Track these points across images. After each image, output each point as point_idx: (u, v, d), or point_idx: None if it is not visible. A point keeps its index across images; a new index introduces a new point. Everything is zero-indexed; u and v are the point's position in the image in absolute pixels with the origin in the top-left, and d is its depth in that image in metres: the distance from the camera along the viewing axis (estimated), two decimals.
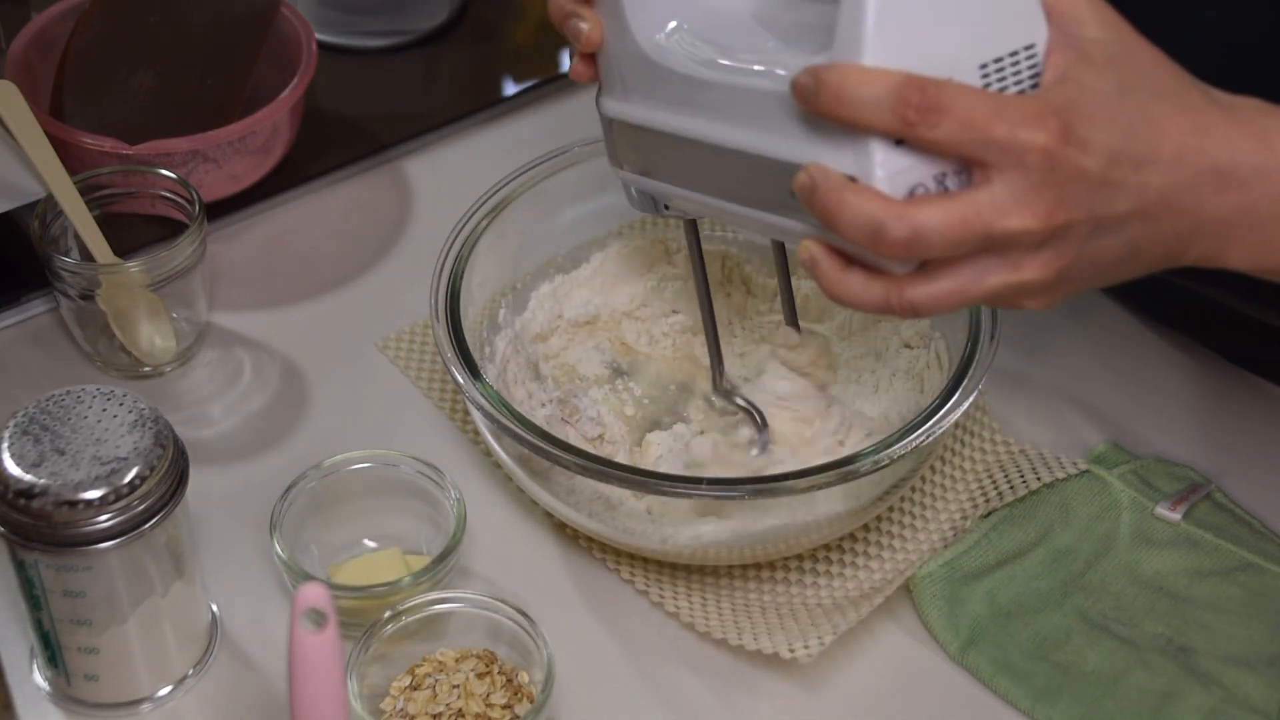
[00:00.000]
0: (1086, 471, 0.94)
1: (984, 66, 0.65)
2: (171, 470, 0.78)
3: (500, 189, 0.97)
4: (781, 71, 0.69)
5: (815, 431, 0.90)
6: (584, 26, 0.79)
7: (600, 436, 0.94)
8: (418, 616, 0.83)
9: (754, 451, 0.88)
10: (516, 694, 0.82)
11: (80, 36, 1.08)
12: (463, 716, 0.81)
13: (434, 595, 0.84)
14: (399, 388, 1.01)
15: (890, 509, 0.92)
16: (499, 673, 0.83)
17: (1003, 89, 0.65)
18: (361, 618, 0.84)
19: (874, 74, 0.63)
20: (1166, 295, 0.99)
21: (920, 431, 0.83)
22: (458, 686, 0.82)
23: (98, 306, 0.97)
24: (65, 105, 1.07)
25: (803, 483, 0.82)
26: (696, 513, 0.87)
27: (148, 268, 0.96)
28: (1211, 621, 0.87)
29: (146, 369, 1.01)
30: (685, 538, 0.86)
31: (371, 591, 0.85)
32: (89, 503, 0.75)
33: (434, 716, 0.81)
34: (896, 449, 0.83)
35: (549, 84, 1.21)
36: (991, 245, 0.64)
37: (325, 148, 1.15)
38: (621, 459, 0.93)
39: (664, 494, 0.84)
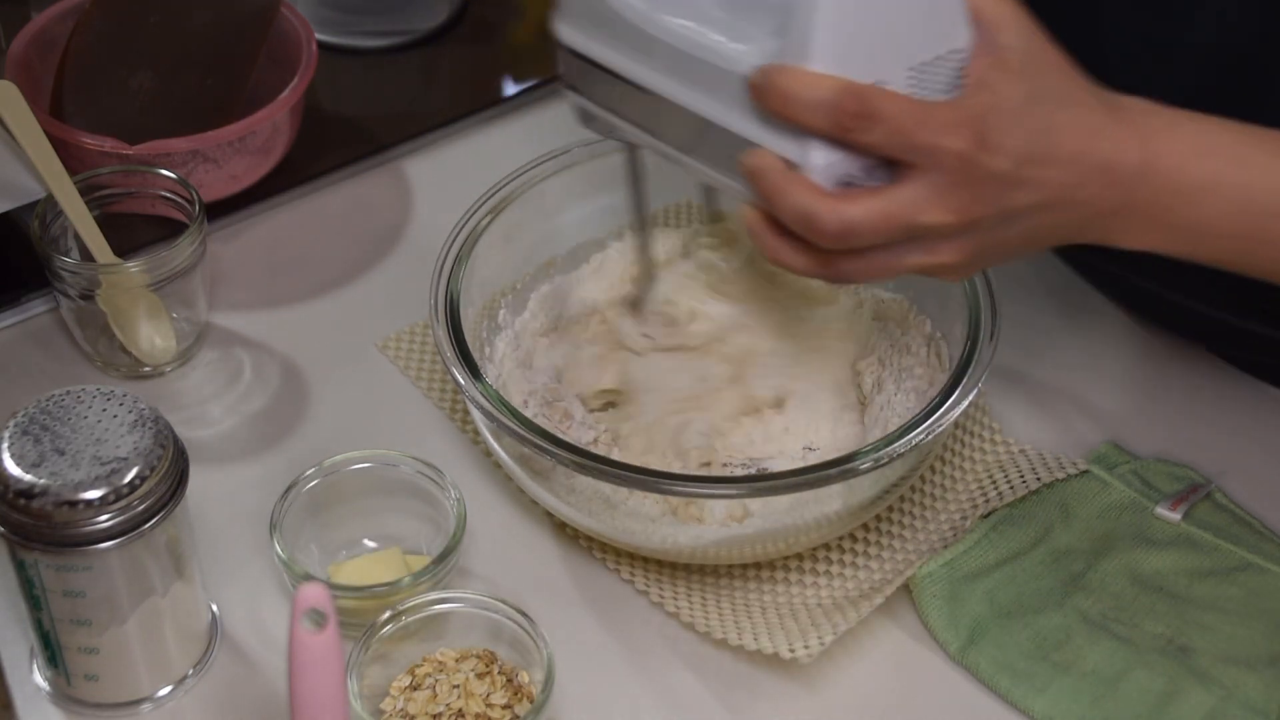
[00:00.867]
0: (1086, 471, 0.94)
1: (913, 70, 0.72)
2: (171, 470, 0.78)
3: (500, 189, 0.97)
4: (737, 49, 0.74)
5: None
6: None
7: (596, 441, 0.94)
8: (418, 616, 0.83)
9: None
10: (516, 694, 0.82)
11: (80, 36, 1.08)
12: (463, 716, 0.81)
13: (434, 595, 0.84)
14: (399, 388, 1.01)
15: (890, 509, 0.92)
16: (499, 673, 0.83)
17: (929, 89, 0.72)
18: (361, 618, 0.84)
19: (816, 80, 0.70)
20: (1167, 298, 0.99)
21: (920, 431, 0.83)
22: (458, 686, 0.82)
23: (98, 306, 0.97)
24: (65, 105, 1.07)
25: (802, 481, 0.82)
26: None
27: (148, 268, 0.96)
28: (1211, 621, 0.87)
29: (146, 369, 1.01)
30: (685, 538, 0.87)
31: (371, 591, 0.85)
32: (89, 503, 0.75)
33: (434, 716, 0.81)
34: (896, 448, 0.83)
35: (549, 84, 1.21)
36: (911, 235, 0.72)
37: (325, 148, 1.15)
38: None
39: (664, 494, 0.84)
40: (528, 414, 0.92)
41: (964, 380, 0.86)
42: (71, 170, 1.00)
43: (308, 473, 0.89)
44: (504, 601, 0.84)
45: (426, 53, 1.26)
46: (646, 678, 0.86)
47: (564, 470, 0.84)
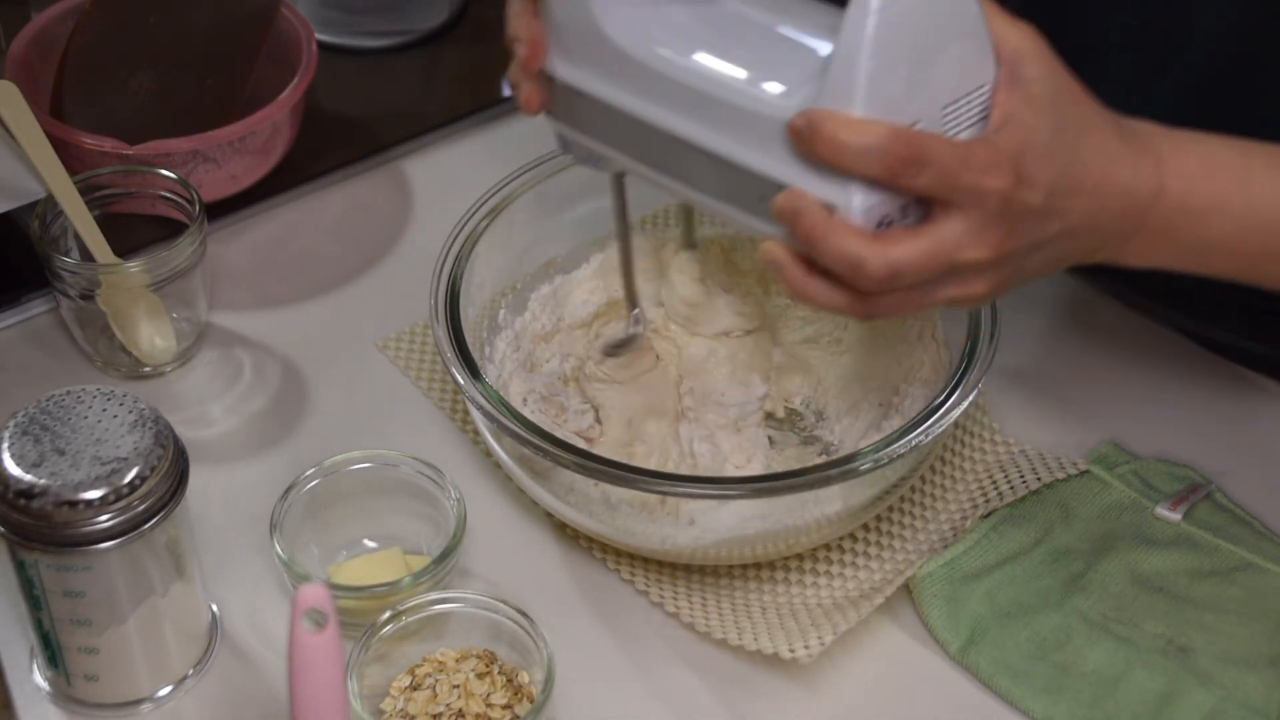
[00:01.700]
0: (1086, 471, 0.94)
1: (945, 108, 0.72)
2: (171, 470, 0.78)
3: (500, 189, 0.97)
4: (770, 92, 0.74)
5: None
6: (519, 49, 0.82)
7: (593, 427, 0.94)
8: (418, 616, 0.83)
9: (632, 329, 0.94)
10: (516, 694, 0.82)
11: (80, 36, 1.08)
12: (463, 716, 0.81)
13: (434, 595, 0.84)
14: (399, 388, 1.01)
15: (890, 509, 0.92)
16: (499, 673, 0.83)
17: (958, 126, 0.73)
18: (361, 618, 0.84)
19: (864, 126, 0.70)
20: (1166, 294, 0.99)
21: (920, 431, 0.83)
22: (458, 686, 0.82)
23: (98, 306, 0.97)
24: (65, 105, 1.07)
25: (803, 481, 0.82)
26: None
27: (148, 268, 0.96)
28: (1211, 621, 0.87)
29: (146, 369, 1.01)
30: (685, 538, 0.87)
31: (371, 591, 0.85)
32: (89, 503, 0.75)
33: (434, 716, 0.81)
34: (896, 448, 0.83)
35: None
36: (950, 273, 0.73)
37: (325, 148, 1.15)
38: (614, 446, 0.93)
39: (664, 494, 0.84)
40: (526, 413, 0.92)
41: (964, 380, 0.86)
42: (71, 170, 1.00)
43: (308, 473, 0.89)
44: (504, 601, 0.84)
45: (426, 53, 1.26)
46: (646, 678, 0.86)
47: (564, 470, 0.84)
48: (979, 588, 0.88)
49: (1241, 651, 0.85)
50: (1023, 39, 0.74)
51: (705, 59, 0.76)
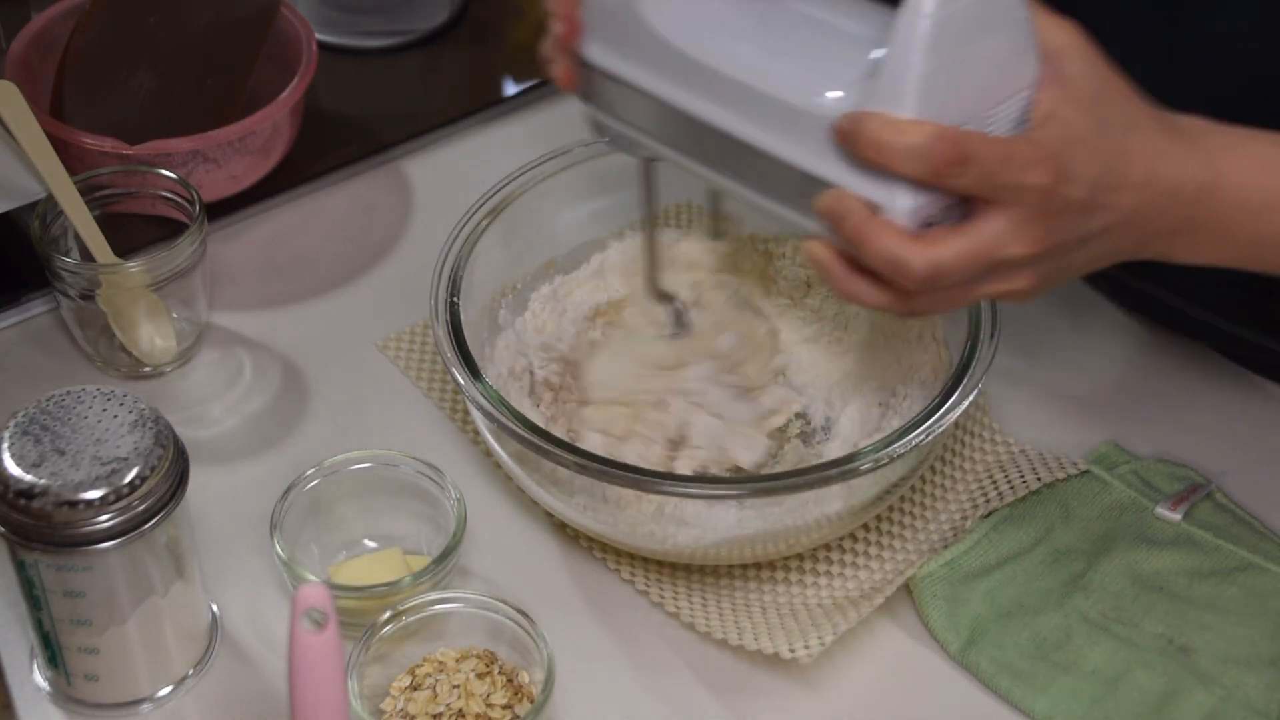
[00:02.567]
0: (1086, 471, 0.94)
1: (992, 108, 0.72)
2: (171, 470, 0.78)
3: (500, 189, 0.97)
4: (817, 89, 0.74)
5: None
6: (556, 25, 0.83)
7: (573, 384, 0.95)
8: (418, 616, 0.83)
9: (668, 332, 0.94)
10: (516, 694, 0.82)
11: (80, 36, 1.08)
12: (463, 716, 0.81)
13: (434, 595, 0.84)
14: (399, 388, 1.01)
15: (890, 509, 0.92)
16: (499, 673, 0.83)
17: (1003, 125, 0.73)
18: (361, 618, 0.84)
19: (909, 126, 0.70)
20: (1166, 295, 0.99)
21: (920, 431, 0.83)
22: (458, 686, 0.82)
23: (98, 306, 0.97)
24: (65, 105, 1.07)
25: (802, 481, 0.82)
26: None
27: (148, 268, 0.96)
28: (1211, 621, 0.87)
29: (146, 369, 1.01)
30: (685, 538, 0.87)
31: (371, 591, 0.85)
32: (89, 503, 0.75)
33: (434, 716, 0.81)
34: (896, 448, 0.83)
35: (549, 84, 1.21)
36: (992, 269, 0.73)
37: (325, 148, 1.15)
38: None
39: (664, 494, 0.84)
40: (528, 411, 0.92)
41: (964, 381, 0.86)
42: (71, 170, 1.00)
43: (308, 473, 0.89)
44: (504, 601, 0.84)
45: (426, 53, 1.26)
46: (646, 678, 0.86)
47: (564, 470, 0.84)
48: (979, 588, 0.88)
49: (1242, 651, 0.85)
50: (1066, 36, 0.74)
51: (751, 52, 0.76)
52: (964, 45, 0.70)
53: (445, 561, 0.86)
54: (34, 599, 0.79)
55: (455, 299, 0.91)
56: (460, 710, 0.81)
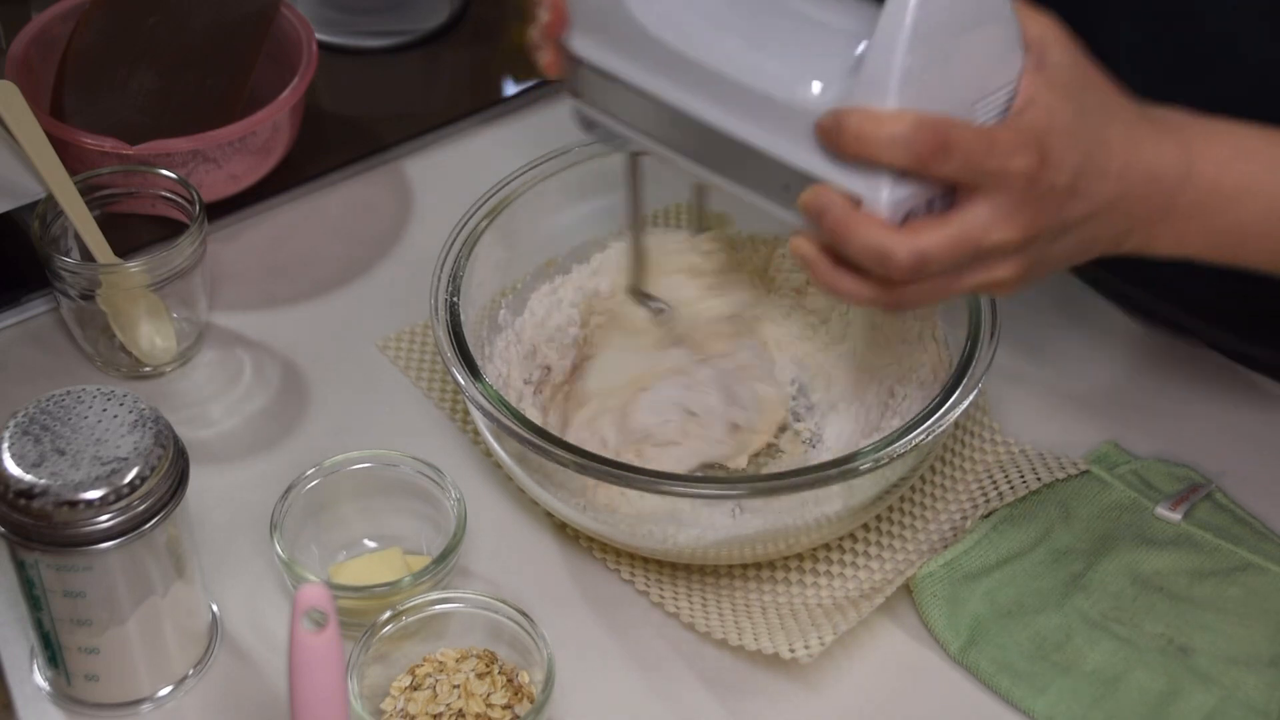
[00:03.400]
0: (1086, 471, 0.94)
1: (975, 102, 0.73)
2: (171, 470, 0.78)
3: (500, 189, 0.97)
4: (800, 83, 0.74)
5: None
6: (542, 14, 0.83)
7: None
8: (418, 616, 0.83)
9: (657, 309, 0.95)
10: (516, 694, 0.82)
11: (80, 36, 1.08)
12: (463, 716, 0.81)
13: (434, 595, 0.84)
14: (399, 388, 1.01)
15: (890, 509, 0.92)
16: (499, 673, 0.83)
17: (986, 116, 0.73)
18: (361, 618, 0.84)
19: (890, 117, 0.70)
20: (1166, 295, 0.99)
21: (920, 431, 0.83)
22: (458, 686, 0.82)
23: (98, 306, 0.97)
24: (65, 105, 1.07)
25: (803, 481, 0.82)
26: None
27: (148, 268, 0.96)
28: (1211, 621, 0.87)
29: (146, 369, 1.01)
30: (685, 538, 0.87)
31: (371, 591, 0.85)
32: (89, 503, 0.75)
33: (434, 716, 0.81)
34: (896, 448, 0.83)
35: (549, 84, 1.21)
36: (977, 258, 0.74)
37: (325, 148, 1.15)
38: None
39: (664, 494, 0.84)
40: (522, 407, 0.92)
41: (964, 381, 0.86)
42: (71, 170, 1.00)
43: (308, 473, 0.89)
44: (504, 601, 0.84)
45: (426, 53, 1.26)
46: (646, 678, 0.86)
47: (564, 470, 0.84)
48: (979, 588, 0.88)
49: (1242, 651, 0.85)
50: (1046, 27, 0.74)
51: (735, 45, 0.77)
52: (947, 39, 0.70)
53: (445, 561, 0.86)
54: (34, 599, 0.79)
55: (455, 299, 0.91)
56: (460, 710, 0.81)
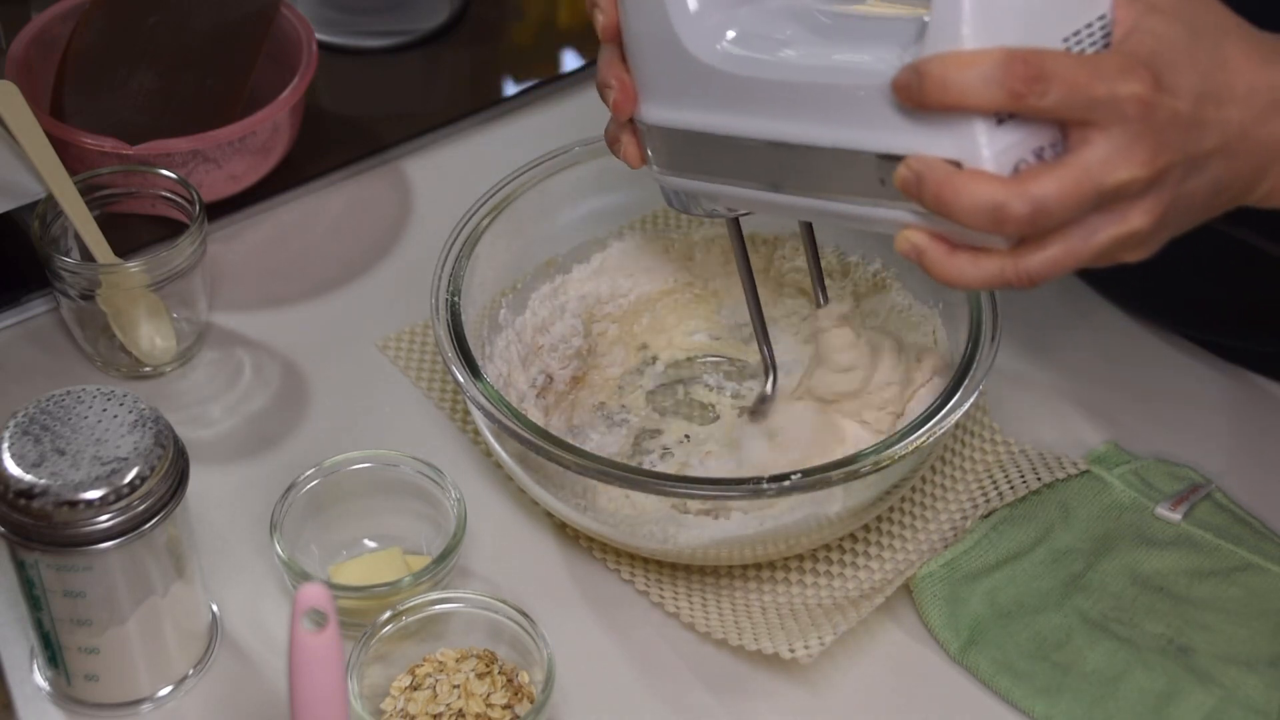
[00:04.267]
0: (1086, 471, 0.94)
1: (1065, 40, 0.67)
2: (171, 470, 0.78)
3: (500, 189, 0.97)
4: (871, 59, 0.70)
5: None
6: (611, 94, 0.81)
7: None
8: (418, 616, 0.83)
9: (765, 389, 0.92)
10: (516, 694, 0.82)
11: (80, 36, 1.08)
12: (463, 716, 0.81)
13: (434, 595, 0.84)
14: (399, 388, 1.01)
15: (890, 509, 0.92)
16: (499, 673, 0.83)
17: (1082, 53, 0.67)
18: (361, 618, 0.84)
19: (975, 55, 0.65)
20: (1166, 294, 0.99)
21: (921, 431, 0.83)
22: (458, 686, 0.82)
23: (98, 306, 0.97)
24: (65, 105, 1.07)
25: (803, 482, 0.82)
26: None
27: (148, 268, 0.96)
28: (1211, 621, 0.87)
29: (146, 369, 1.01)
30: (685, 538, 0.86)
31: (371, 591, 0.85)
32: (89, 503, 0.75)
33: (434, 716, 0.81)
34: (897, 449, 0.83)
35: (549, 84, 1.21)
36: (1101, 201, 0.66)
37: (325, 148, 1.15)
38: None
39: (664, 494, 0.84)
40: (528, 410, 0.92)
41: (965, 381, 0.86)
42: (71, 170, 1.00)
43: (308, 473, 0.89)
44: (504, 601, 0.84)
45: (426, 53, 1.26)
46: (646, 678, 0.86)
47: (564, 470, 0.84)
48: (979, 588, 0.88)
49: (1242, 651, 0.85)
50: None
51: (797, 56, 0.75)
52: None
53: (445, 561, 0.86)
54: (34, 599, 0.79)
55: (455, 299, 0.91)
56: (460, 710, 0.81)
